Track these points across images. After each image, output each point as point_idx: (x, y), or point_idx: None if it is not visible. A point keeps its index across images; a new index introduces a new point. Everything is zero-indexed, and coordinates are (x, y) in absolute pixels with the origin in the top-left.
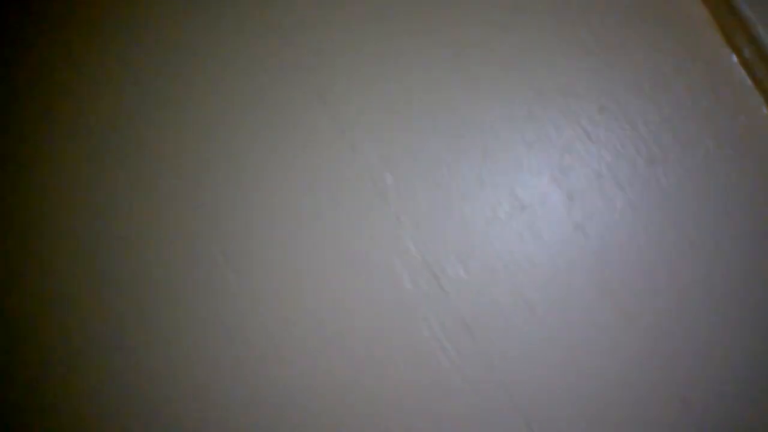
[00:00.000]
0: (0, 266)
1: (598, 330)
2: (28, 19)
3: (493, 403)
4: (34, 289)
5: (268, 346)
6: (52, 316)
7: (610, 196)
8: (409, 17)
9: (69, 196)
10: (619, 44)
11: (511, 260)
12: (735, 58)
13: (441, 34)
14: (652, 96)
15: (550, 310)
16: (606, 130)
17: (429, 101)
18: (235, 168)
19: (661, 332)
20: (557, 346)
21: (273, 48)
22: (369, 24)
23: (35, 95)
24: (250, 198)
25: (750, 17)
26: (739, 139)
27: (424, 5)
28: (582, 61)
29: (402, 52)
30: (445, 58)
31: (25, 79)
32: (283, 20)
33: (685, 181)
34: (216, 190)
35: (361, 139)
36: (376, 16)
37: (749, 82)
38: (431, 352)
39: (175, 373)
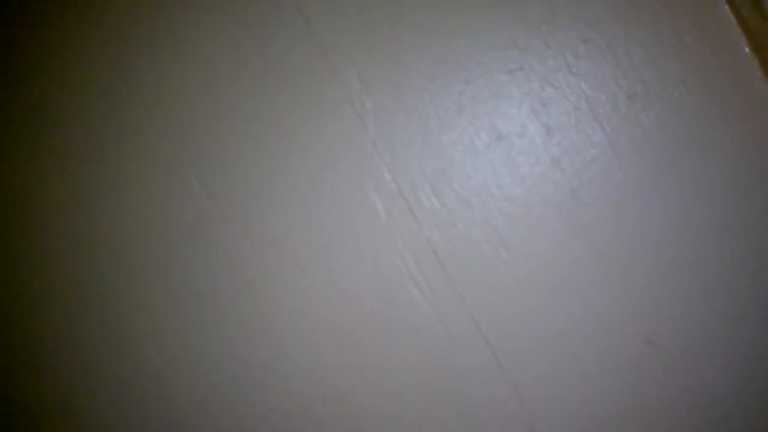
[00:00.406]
0: None
1: (569, 267)
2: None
3: (462, 338)
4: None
5: (243, 276)
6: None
7: (588, 132)
8: None
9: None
10: None
11: (486, 193)
12: None
13: None
14: (637, 29)
15: (522, 245)
16: (588, 62)
17: (414, 25)
18: (214, 92)
19: (633, 272)
20: (529, 282)
21: None
22: None
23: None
24: (227, 118)
25: None
26: (721, 78)
27: None
28: None
29: None
30: None
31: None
32: None
33: (665, 119)
34: (194, 117)
35: (342, 62)
36: None
37: (733, 19)
38: (403, 284)
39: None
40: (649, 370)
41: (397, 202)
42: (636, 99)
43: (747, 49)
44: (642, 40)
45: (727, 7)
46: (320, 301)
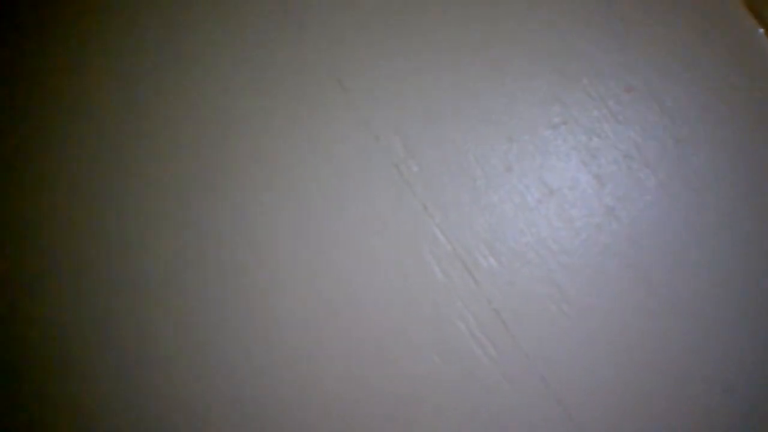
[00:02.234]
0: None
1: (634, 317)
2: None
3: (530, 396)
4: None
5: (297, 342)
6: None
7: (641, 178)
8: (432, 4)
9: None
10: (642, 21)
11: (543, 247)
12: (761, 31)
13: (463, 20)
14: (679, 73)
15: (584, 296)
16: (633, 109)
17: (452, 87)
18: (261, 164)
19: (700, 316)
20: (594, 335)
21: (291, 35)
22: (389, 8)
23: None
24: (275, 190)
25: None
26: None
27: None
28: (606, 41)
29: (424, 38)
30: (468, 42)
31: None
32: (298, 7)
33: (716, 159)
34: (242, 191)
35: (384, 129)
36: (398, 3)
37: None
38: (466, 346)
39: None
40: (726, 418)
41: (453, 263)
42: (685, 142)
43: None
44: (684, 82)
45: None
46: (381, 370)
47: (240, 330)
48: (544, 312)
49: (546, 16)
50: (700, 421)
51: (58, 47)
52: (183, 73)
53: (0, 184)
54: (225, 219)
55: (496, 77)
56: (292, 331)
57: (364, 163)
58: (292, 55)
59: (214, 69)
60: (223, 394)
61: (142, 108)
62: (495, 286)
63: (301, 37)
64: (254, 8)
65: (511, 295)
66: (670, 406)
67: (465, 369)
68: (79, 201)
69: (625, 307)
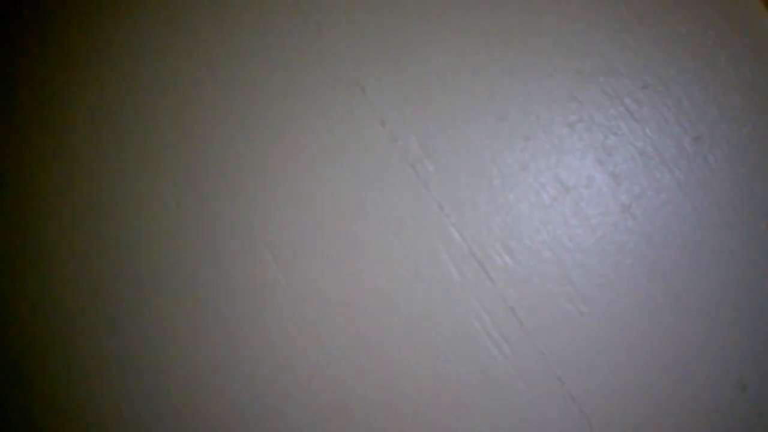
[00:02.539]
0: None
1: (649, 313)
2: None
3: (545, 394)
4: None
5: (315, 340)
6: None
7: (657, 176)
8: (448, 3)
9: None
10: (658, 19)
11: (559, 245)
12: None
13: (479, 19)
14: (696, 70)
15: (599, 295)
16: (650, 107)
17: (468, 87)
18: (278, 164)
19: (714, 314)
20: (610, 333)
21: (309, 36)
22: (405, 11)
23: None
24: (294, 191)
25: None
26: None
27: None
28: (622, 39)
29: (440, 39)
30: (484, 42)
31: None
32: (316, 8)
33: (733, 157)
34: (261, 185)
35: (400, 129)
36: (414, 3)
37: None
38: (482, 345)
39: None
40: (743, 415)
41: (469, 262)
42: (702, 140)
43: None
44: (701, 80)
45: None
46: (398, 363)
47: (254, 330)
48: (559, 310)
49: (562, 14)
50: (715, 418)
51: (64, 48)
52: (198, 74)
53: (0, 184)
54: (240, 217)
55: (512, 76)
56: (307, 328)
57: (381, 163)
58: (311, 55)
59: (231, 70)
60: (233, 389)
61: (156, 111)
62: (510, 284)
63: (319, 38)
64: (272, 9)
65: (526, 294)
66: (685, 403)
67: (480, 367)
68: (80, 201)
69: (641, 305)
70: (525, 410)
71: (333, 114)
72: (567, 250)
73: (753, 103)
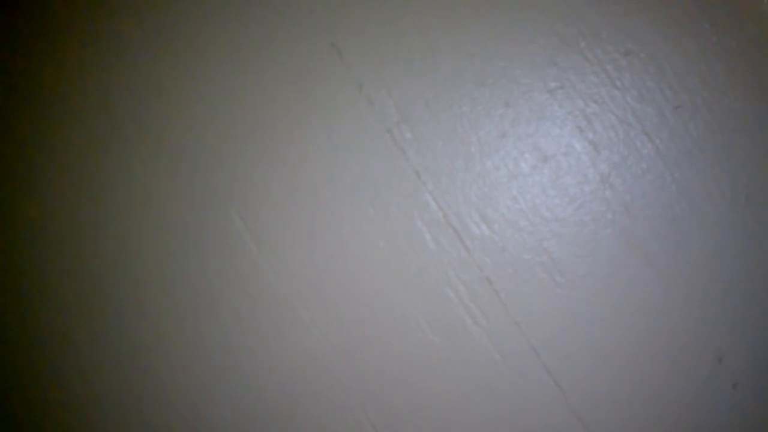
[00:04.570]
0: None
1: (627, 286)
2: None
3: (520, 365)
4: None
5: (287, 309)
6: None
7: (637, 145)
8: None
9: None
10: None
11: (536, 215)
12: None
13: None
14: (678, 37)
15: (576, 265)
16: (631, 74)
17: (448, 50)
18: (250, 126)
19: (692, 285)
20: (586, 304)
21: None
22: None
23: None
24: (267, 155)
25: None
26: None
27: None
28: (605, 4)
29: (420, 0)
30: (464, 4)
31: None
32: None
33: (714, 127)
34: (233, 151)
35: (378, 92)
36: None
37: None
38: (456, 315)
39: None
40: (719, 387)
41: (445, 231)
42: (683, 109)
43: None
44: (684, 49)
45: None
46: (371, 334)
47: (222, 299)
48: (535, 280)
49: None
50: (690, 389)
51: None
52: (167, 33)
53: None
54: (210, 186)
55: (493, 40)
56: (278, 293)
57: (358, 128)
58: (285, 16)
59: (203, 35)
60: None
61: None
62: (486, 253)
63: None
64: None
65: (502, 263)
66: (660, 374)
67: (455, 337)
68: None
69: (618, 276)
70: (499, 381)
71: (307, 75)
72: (544, 219)
73: (735, 73)
